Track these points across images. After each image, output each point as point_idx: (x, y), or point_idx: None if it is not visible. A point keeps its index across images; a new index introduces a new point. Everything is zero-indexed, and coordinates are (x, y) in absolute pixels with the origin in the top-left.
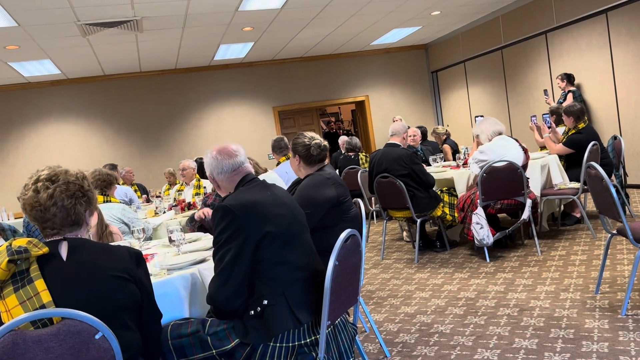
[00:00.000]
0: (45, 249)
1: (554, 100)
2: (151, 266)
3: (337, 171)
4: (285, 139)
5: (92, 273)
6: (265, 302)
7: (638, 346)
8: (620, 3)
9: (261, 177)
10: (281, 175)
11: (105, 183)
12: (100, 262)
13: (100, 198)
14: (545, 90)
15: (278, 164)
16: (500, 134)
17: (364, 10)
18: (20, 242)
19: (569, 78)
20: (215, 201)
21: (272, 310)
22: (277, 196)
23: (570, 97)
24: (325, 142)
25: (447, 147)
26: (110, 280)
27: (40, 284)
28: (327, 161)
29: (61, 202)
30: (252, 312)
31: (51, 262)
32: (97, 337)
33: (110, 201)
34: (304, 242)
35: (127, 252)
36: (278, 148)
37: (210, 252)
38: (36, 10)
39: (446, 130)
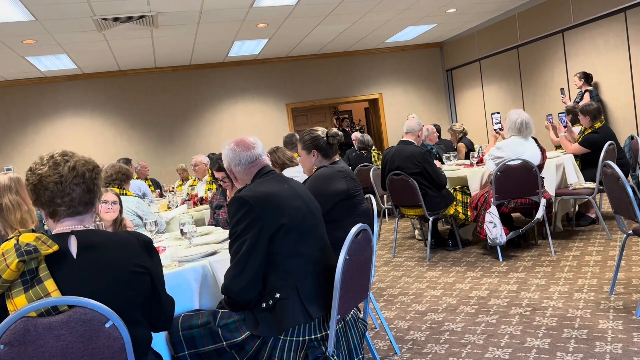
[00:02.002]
0: (55, 247)
1: (570, 100)
2: (162, 258)
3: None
4: (297, 135)
5: (104, 271)
6: (278, 295)
7: None
8: (639, 1)
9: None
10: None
11: (125, 177)
12: (112, 259)
13: (116, 191)
14: (562, 89)
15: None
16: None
17: (378, 7)
18: (27, 238)
19: (586, 77)
20: (220, 201)
21: (284, 304)
22: (293, 189)
23: (587, 96)
24: (340, 132)
25: (462, 145)
26: (122, 277)
27: (50, 285)
28: (337, 156)
29: (82, 175)
30: (264, 304)
31: (61, 260)
32: (107, 325)
33: (125, 194)
34: (319, 236)
35: (137, 241)
36: (290, 144)
37: (222, 245)
38: (53, 5)
39: (463, 128)
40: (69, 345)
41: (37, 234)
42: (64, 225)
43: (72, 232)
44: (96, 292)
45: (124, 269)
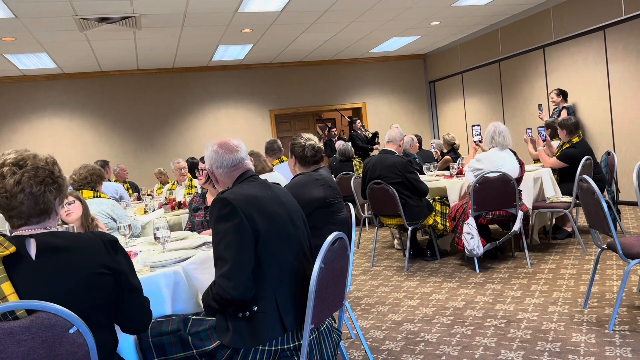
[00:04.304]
0: (12, 249)
1: (548, 115)
2: (134, 263)
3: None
4: (279, 141)
5: (64, 274)
6: (255, 308)
7: None
8: (618, 20)
9: (265, 175)
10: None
11: (99, 178)
12: (73, 261)
13: (90, 193)
14: (539, 105)
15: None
16: (500, 145)
17: (363, 18)
18: None
19: (564, 94)
20: (199, 203)
21: (261, 318)
22: (276, 196)
23: (564, 113)
24: (320, 144)
25: (448, 159)
26: (85, 280)
27: (7, 287)
28: (323, 164)
29: (29, 189)
30: (241, 314)
31: (19, 262)
32: (71, 331)
33: (99, 196)
34: (298, 246)
35: (102, 242)
36: (271, 151)
37: (196, 251)
38: (34, 2)
39: (454, 142)
40: (31, 351)
41: None
42: (22, 230)
43: (31, 235)
44: (55, 294)
45: (86, 271)
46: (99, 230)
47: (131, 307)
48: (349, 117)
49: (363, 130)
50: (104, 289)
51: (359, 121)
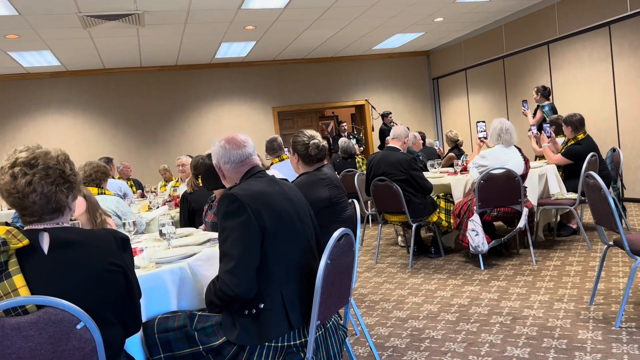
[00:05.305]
0: (26, 241)
1: (530, 112)
2: (140, 259)
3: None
4: (280, 139)
5: (75, 269)
6: (262, 305)
7: (632, 358)
8: (623, 16)
9: None
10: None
11: (104, 175)
12: (85, 256)
13: (95, 190)
14: (524, 101)
15: (271, 164)
16: (506, 142)
17: (366, 14)
18: None
19: (544, 91)
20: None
21: (268, 315)
22: (284, 192)
23: (538, 112)
24: (324, 143)
25: (452, 156)
26: (95, 276)
27: (19, 280)
28: (326, 161)
29: (40, 189)
30: (247, 311)
31: (31, 255)
32: (78, 327)
33: (104, 193)
34: (305, 242)
35: (114, 238)
36: (271, 149)
37: (201, 247)
38: (37, 0)
39: (458, 138)
40: (38, 346)
41: (8, 227)
42: (35, 226)
43: (45, 229)
44: (66, 289)
45: (98, 267)
46: (111, 228)
47: (131, 306)
48: (376, 111)
49: (394, 124)
50: (114, 285)
51: (391, 115)
